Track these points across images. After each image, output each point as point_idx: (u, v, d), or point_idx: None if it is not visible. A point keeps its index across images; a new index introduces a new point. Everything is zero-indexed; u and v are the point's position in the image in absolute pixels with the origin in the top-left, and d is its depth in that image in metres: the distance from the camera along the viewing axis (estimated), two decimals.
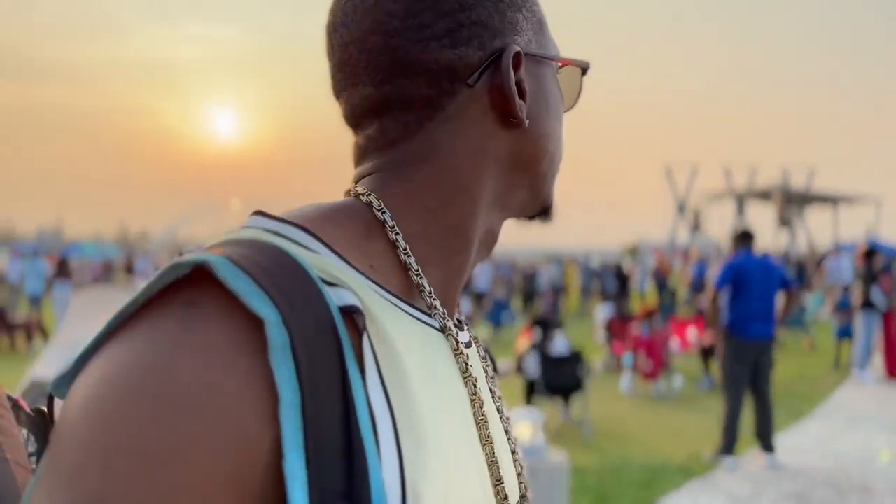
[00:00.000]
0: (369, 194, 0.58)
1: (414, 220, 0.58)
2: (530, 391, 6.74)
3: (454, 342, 0.57)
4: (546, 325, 8.05)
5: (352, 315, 0.48)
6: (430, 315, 0.57)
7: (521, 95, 0.60)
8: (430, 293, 0.57)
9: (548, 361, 6.71)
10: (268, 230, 0.52)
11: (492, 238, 0.65)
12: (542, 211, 0.67)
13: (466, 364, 0.57)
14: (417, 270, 0.57)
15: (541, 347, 7.04)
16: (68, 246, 31.63)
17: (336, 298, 0.47)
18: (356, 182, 0.61)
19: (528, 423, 4.42)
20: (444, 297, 0.60)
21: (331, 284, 0.49)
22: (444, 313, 0.58)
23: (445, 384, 0.54)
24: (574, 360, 6.79)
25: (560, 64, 0.64)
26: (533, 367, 6.69)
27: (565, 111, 0.67)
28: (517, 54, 0.59)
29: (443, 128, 0.59)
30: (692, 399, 8.54)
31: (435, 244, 0.59)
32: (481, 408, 0.57)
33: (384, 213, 0.57)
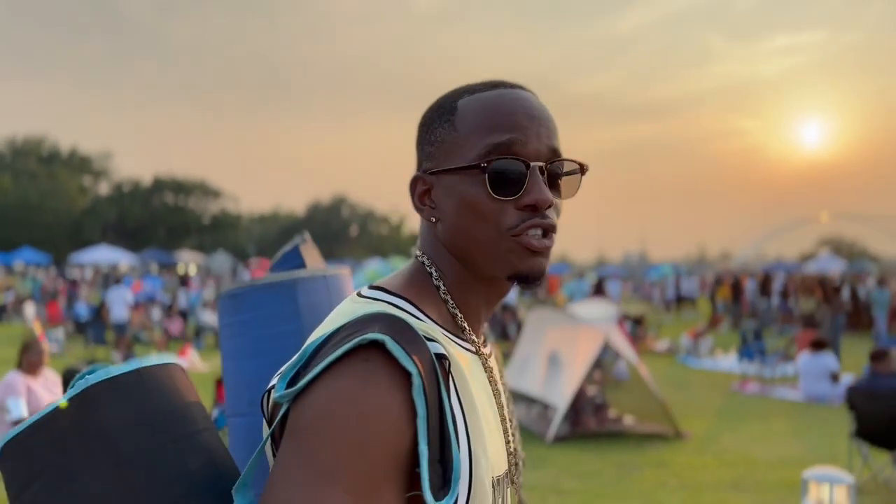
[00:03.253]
0: (423, 256, 0.94)
1: (442, 276, 0.93)
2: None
3: (484, 360, 0.94)
4: None
5: (441, 359, 0.81)
6: (469, 342, 0.92)
7: (428, 203, 0.92)
8: (461, 318, 0.92)
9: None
10: (390, 303, 0.88)
11: (494, 295, 0.95)
12: (517, 279, 0.88)
13: (489, 364, 0.94)
14: (453, 305, 0.92)
15: None
16: (647, 269, 35.70)
17: (433, 349, 0.81)
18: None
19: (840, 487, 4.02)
20: (471, 324, 0.94)
21: (429, 339, 0.82)
22: (470, 332, 0.93)
23: (484, 389, 0.89)
24: None
25: (460, 172, 0.89)
26: None
27: (520, 199, 0.87)
28: (413, 179, 0.94)
29: (421, 223, 0.95)
30: None
31: (455, 292, 0.93)
32: (496, 390, 0.93)
33: (431, 268, 0.93)
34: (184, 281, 28.65)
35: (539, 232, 0.87)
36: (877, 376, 5.87)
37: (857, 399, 5.78)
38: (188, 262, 39.95)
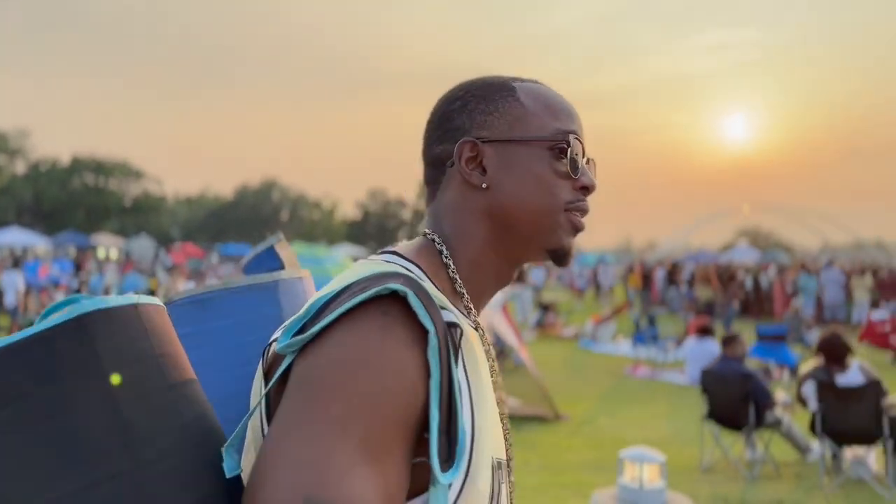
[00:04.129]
0: (432, 235, 0.94)
1: (453, 254, 0.93)
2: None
3: (482, 334, 0.91)
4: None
5: (452, 327, 0.79)
6: (467, 315, 0.91)
7: (480, 168, 0.92)
8: (468, 299, 0.92)
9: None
10: (404, 266, 0.88)
11: (504, 277, 0.97)
12: (550, 256, 0.94)
13: (489, 347, 0.91)
14: (461, 283, 0.92)
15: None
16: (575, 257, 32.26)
17: (446, 316, 0.79)
18: (425, 219, 0.98)
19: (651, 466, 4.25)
20: (475, 307, 0.94)
21: (441, 308, 0.79)
22: (475, 314, 0.92)
23: (485, 368, 0.85)
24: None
25: (526, 143, 0.92)
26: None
27: (573, 176, 0.93)
28: (467, 143, 0.92)
29: (443, 195, 0.95)
30: None
31: (466, 271, 0.93)
32: (494, 376, 0.91)
33: (441, 246, 0.92)
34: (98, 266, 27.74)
35: (582, 213, 0.95)
36: (726, 360, 6.19)
37: (708, 382, 6.08)
38: (108, 245, 38.68)
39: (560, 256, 0.94)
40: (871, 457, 5.82)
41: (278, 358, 0.81)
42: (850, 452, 5.81)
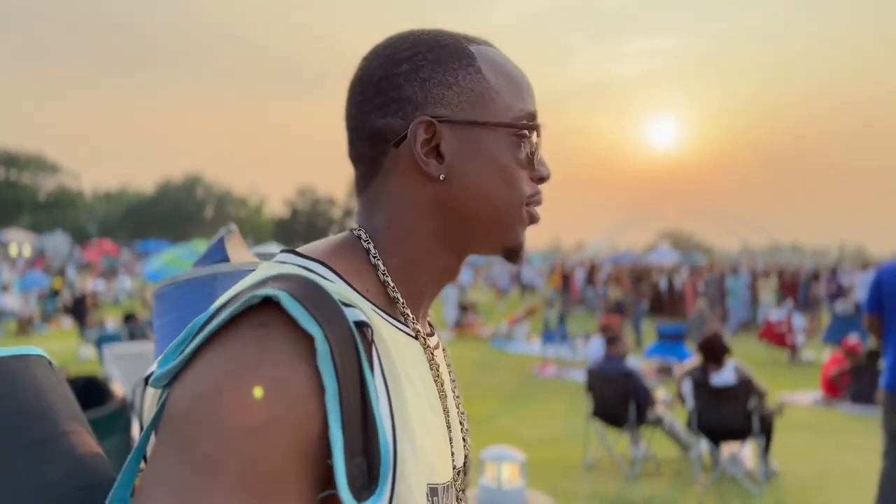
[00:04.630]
0: (359, 230, 0.79)
1: (385, 253, 0.78)
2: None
3: (423, 340, 0.79)
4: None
5: (362, 327, 0.67)
6: (405, 323, 0.77)
7: (438, 155, 0.77)
8: (403, 304, 0.78)
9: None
10: (299, 266, 0.73)
11: (451, 272, 0.82)
12: (505, 253, 0.83)
13: (432, 355, 0.79)
14: (393, 287, 0.77)
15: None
16: None
17: (351, 315, 0.66)
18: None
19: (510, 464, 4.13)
20: (414, 310, 0.80)
21: (346, 305, 0.67)
22: (413, 319, 0.78)
23: (421, 378, 0.75)
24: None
25: (491, 128, 0.78)
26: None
27: (527, 166, 0.81)
28: (425, 122, 0.76)
29: (385, 181, 0.78)
30: None
31: (399, 272, 0.78)
32: (441, 387, 0.79)
33: (369, 244, 0.78)
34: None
35: (539, 205, 0.84)
36: (609, 359, 6.27)
37: (593, 381, 6.14)
38: (20, 242, 37.01)
39: (516, 253, 0.83)
40: (746, 453, 5.97)
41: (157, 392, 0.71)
42: (728, 449, 5.95)
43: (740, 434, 5.51)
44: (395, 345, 0.72)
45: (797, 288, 16.88)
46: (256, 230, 64.61)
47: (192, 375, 0.62)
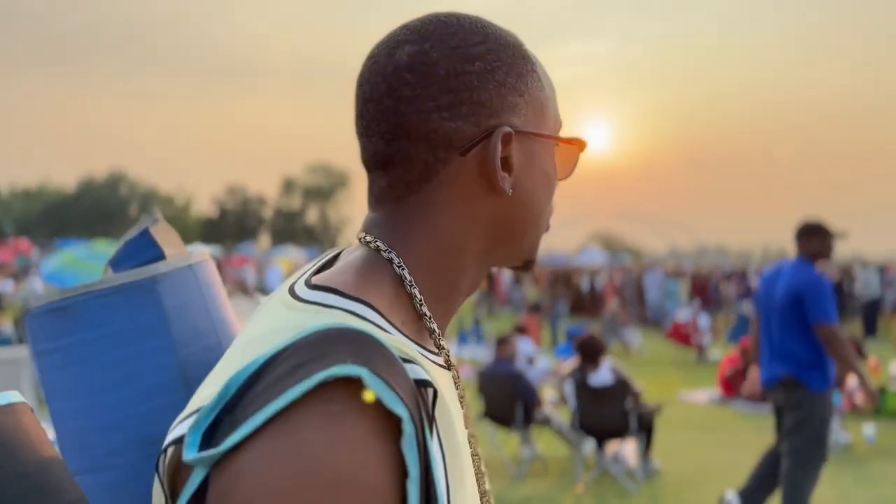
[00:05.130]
0: (389, 251, 0.69)
1: (419, 272, 0.70)
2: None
3: (456, 375, 0.72)
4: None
5: (423, 387, 0.60)
6: (438, 353, 0.71)
7: (507, 168, 0.70)
8: (439, 335, 0.70)
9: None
10: (347, 311, 0.64)
11: (475, 286, 0.75)
12: (526, 265, 0.78)
13: (462, 392, 0.72)
14: (430, 318, 0.69)
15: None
16: None
17: (412, 373, 0.60)
18: (363, 230, 0.72)
19: None
20: (443, 333, 0.73)
21: (405, 360, 0.60)
22: (448, 352, 0.71)
23: (458, 416, 0.68)
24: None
25: (555, 141, 0.75)
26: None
27: (560, 180, 0.78)
28: (507, 134, 0.69)
29: (438, 191, 0.69)
30: (889, 456, 6.55)
31: (435, 293, 0.70)
32: (470, 427, 0.72)
33: (403, 269, 0.68)
34: None
35: None
36: (499, 361, 6.32)
37: (483, 383, 6.18)
38: None
39: (532, 263, 0.79)
40: (628, 452, 6.10)
41: (185, 467, 0.59)
42: (611, 448, 6.06)
43: (619, 433, 5.62)
44: (445, 390, 0.65)
45: (707, 289, 17.42)
46: (183, 230, 62.91)
47: (253, 463, 0.53)
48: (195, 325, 0.84)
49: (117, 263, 0.92)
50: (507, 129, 0.69)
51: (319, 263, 0.76)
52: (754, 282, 19.02)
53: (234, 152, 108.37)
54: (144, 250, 0.90)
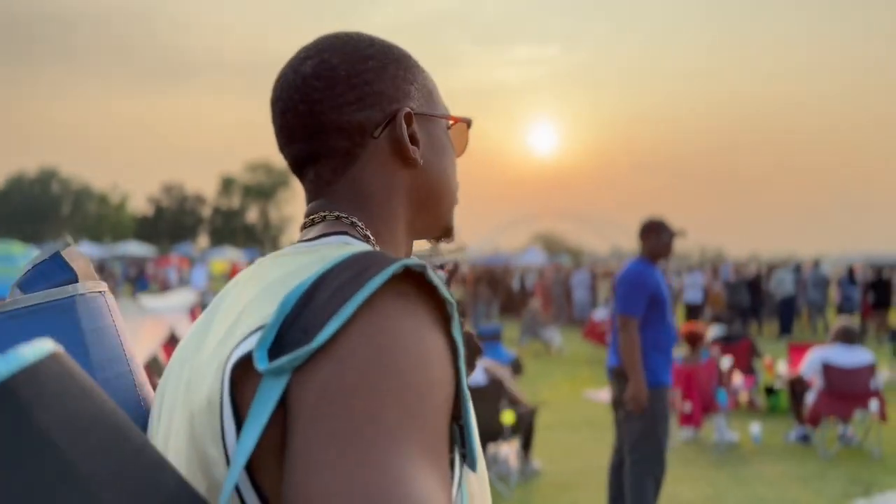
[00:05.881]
0: (350, 217, 0.81)
1: (377, 240, 0.83)
2: None
3: None
4: None
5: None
6: None
7: (414, 143, 0.84)
8: None
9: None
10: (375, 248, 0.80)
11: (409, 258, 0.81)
12: (443, 233, 0.91)
13: None
14: None
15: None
16: None
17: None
18: (309, 214, 0.84)
19: None
20: None
21: None
22: None
23: None
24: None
25: (449, 121, 0.90)
26: None
27: (457, 156, 0.93)
28: (408, 114, 0.83)
29: (362, 171, 0.82)
30: (771, 455, 6.55)
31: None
32: None
33: (366, 231, 0.81)
34: None
35: None
36: None
37: None
38: None
39: (451, 232, 0.92)
40: (508, 454, 6.01)
41: (248, 380, 0.63)
42: (495, 450, 5.95)
43: (493, 435, 5.51)
44: None
45: None
46: (117, 228, 61.32)
47: (350, 348, 0.60)
48: (110, 351, 0.84)
49: (26, 285, 0.88)
50: (408, 109, 0.83)
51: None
52: (675, 281, 19.32)
53: (171, 150, 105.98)
54: (56, 273, 0.88)
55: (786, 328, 15.57)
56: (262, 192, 65.52)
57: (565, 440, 7.10)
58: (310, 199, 0.85)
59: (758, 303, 16.88)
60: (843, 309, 16.60)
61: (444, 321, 0.66)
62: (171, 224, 63.45)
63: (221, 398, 0.63)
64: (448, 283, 1.18)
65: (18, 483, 0.51)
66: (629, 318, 4.17)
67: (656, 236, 4.31)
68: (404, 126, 0.82)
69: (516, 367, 11.01)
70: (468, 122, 0.93)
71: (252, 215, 66.41)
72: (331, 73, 0.80)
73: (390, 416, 0.58)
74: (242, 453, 0.59)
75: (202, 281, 19.92)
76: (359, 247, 0.75)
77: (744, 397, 8.16)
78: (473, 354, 4.09)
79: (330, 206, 0.82)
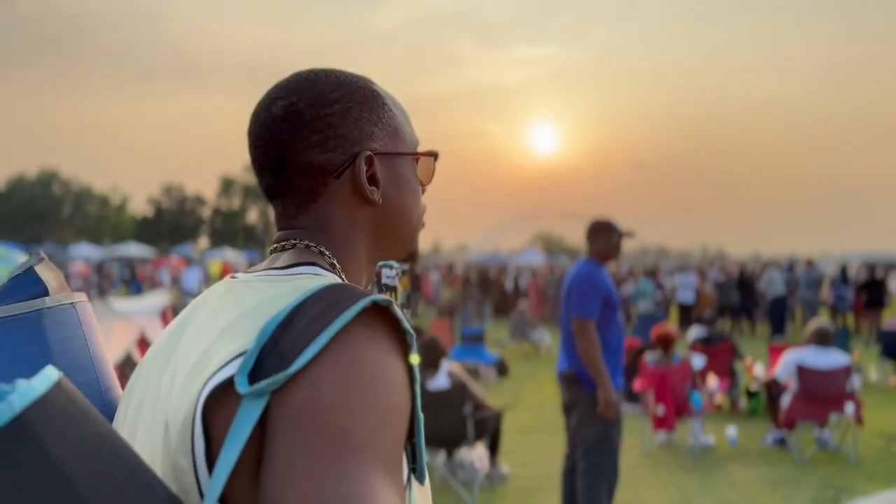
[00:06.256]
0: (318, 247, 0.88)
1: (341, 270, 0.90)
2: None
3: None
4: None
5: None
6: None
7: (374, 183, 0.90)
8: None
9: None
10: (329, 276, 0.85)
11: (369, 280, 0.95)
12: (408, 257, 0.99)
13: None
14: None
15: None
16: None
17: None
18: (279, 241, 0.91)
19: None
20: None
21: None
22: None
23: None
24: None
25: (414, 157, 0.96)
26: None
27: (424, 185, 0.99)
28: (368, 156, 0.89)
29: (325, 207, 0.89)
30: (746, 459, 6.46)
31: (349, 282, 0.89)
32: None
33: (333, 259, 0.88)
34: None
35: None
36: None
37: None
38: None
39: (415, 256, 1.01)
40: (478, 458, 5.92)
41: (226, 402, 0.70)
42: (465, 455, 5.87)
43: (457, 439, 5.42)
44: None
45: (618, 287, 17.47)
46: (118, 229, 61.31)
47: (325, 371, 0.68)
48: (75, 360, 0.89)
49: (1, 298, 0.94)
50: (368, 152, 0.88)
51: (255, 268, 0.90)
52: (668, 281, 19.20)
53: (170, 151, 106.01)
54: (29, 286, 0.93)
55: (778, 328, 15.42)
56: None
57: (541, 443, 7.00)
58: (279, 227, 0.93)
59: (750, 303, 16.71)
60: (836, 309, 16.44)
61: (405, 350, 0.75)
62: (171, 225, 63.43)
63: (194, 417, 0.71)
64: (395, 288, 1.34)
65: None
66: (586, 321, 4.06)
67: (606, 237, 4.22)
68: (363, 168, 0.88)
69: (501, 369, 10.94)
70: (434, 155, 0.99)
71: (252, 216, 66.36)
72: (297, 117, 0.87)
73: (359, 434, 0.65)
74: (225, 466, 0.67)
75: (194, 283, 19.83)
76: (328, 278, 0.82)
77: (719, 399, 8.06)
78: (436, 358, 4.14)
79: (297, 236, 0.89)
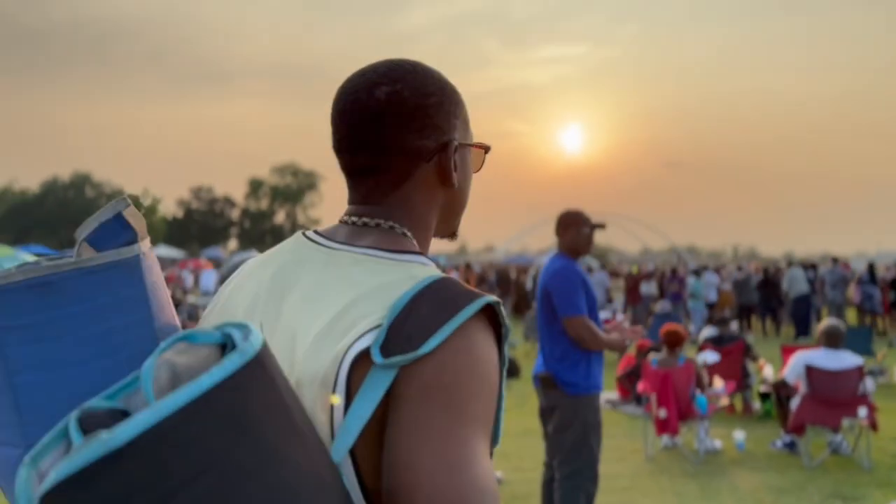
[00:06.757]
0: (402, 229, 1.00)
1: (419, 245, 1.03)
2: None
3: None
4: None
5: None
6: None
7: (455, 169, 1.02)
8: None
9: None
10: (431, 265, 0.98)
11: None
12: (451, 235, 1.11)
13: None
14: None
15: None
16: None
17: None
18: (360, 216, 1.02)
19: None
20: None
21: None
22: None
23: None
24: None
25: (474, 147, 1.09)
26: None
27: (475, 173, 1.12)
28: (456, 146, 1.02)
29: (413, 188, 1.01)
30: (753, 464, 6.18)
31: None
32: None
33: (414, 242, 1.01)
34: None
35: None
36: None
37: None
38: None
39: (456, 235, 1.12)
40: None
41: (360, 367, 0.83)
42: None
43: None
44: None
45: (637, 289, 17.14)
46: (149, 231, 61.74)
47: (452, 354, 0.83)
48: (161, 302, 0.96)
49: (96, 242, 0.96)
50: (456, 142, 1.02)
51: (341, 232, 1.01)
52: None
53: (200, 153, 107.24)
54: (121, 231, 0.96)
55: (802, 329, 14.95)
56: (290, 194, 65.86)
57: (541, 448, 6.75)
58: (358, 200, 1.02)
59: (775, 302, 16.23)
60: (863, 308, 15.90)
61: (499, 341, 0.91)
62: (201, 226, 64.10)
63: (337, 378, 0.83)
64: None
65: (273, 431, 0.70)
66: (578, 318, 3.85)
67: (575, 230, 3.99)
68: (452, 157, 1.01)
69: (512, 369, 10.69)
70: (487, 149, 1.11)
71: (280, 217, 66.79)
72: (401, 103, 0.97)
73: (471, 410, 0.82)
74: (357, 422, 0.81)
75: (211, 284, 19.98)
76: (433, 269, 0.94)
77: (725, 402, 7.76)
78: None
79: (381, 214, 1.00)
